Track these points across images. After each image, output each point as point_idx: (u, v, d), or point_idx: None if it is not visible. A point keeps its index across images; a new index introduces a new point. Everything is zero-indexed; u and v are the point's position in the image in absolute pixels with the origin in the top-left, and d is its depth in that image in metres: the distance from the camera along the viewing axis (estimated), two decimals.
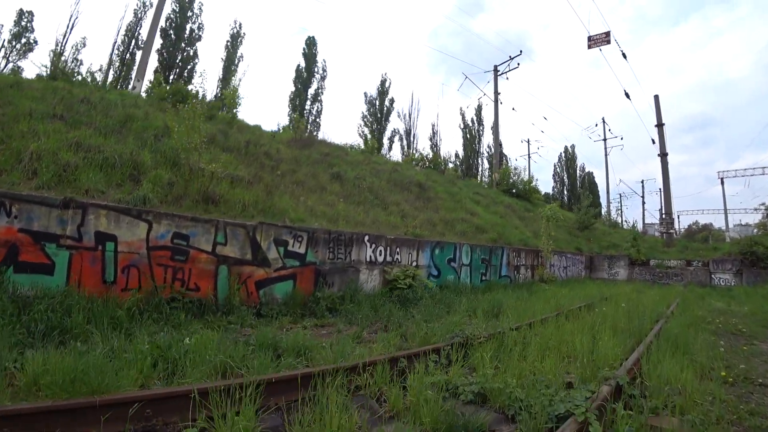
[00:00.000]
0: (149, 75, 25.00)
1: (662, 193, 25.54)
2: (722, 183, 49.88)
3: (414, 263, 12.11)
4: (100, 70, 32.88)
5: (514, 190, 28.67)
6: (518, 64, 31.93)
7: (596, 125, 48.60)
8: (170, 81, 34.42)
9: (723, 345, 7.25)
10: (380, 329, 7.70)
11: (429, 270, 12.56)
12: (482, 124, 58.85)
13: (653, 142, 26.44)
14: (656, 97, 26.86)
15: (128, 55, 35.05)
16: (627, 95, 25.00)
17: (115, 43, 34.72)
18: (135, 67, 32.55)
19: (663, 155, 25.64)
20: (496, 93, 32.47)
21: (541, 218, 18.45)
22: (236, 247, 8.71)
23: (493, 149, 57.52)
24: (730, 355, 6.63)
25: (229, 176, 11.23)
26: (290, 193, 12.48)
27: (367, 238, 11.00)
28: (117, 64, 35.44)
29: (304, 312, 8.88)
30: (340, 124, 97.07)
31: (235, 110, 18.74)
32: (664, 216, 25.08)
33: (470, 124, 58.22)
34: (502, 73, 32.79)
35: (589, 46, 22.99)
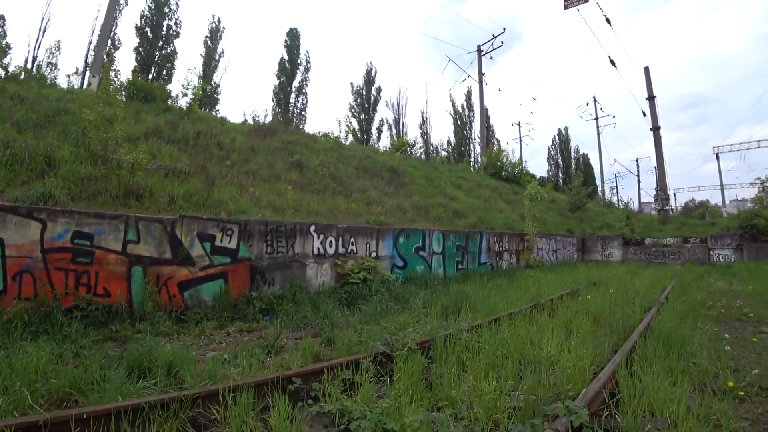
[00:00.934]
0: (128, 74, 23.44)
1: (656, 168, 23.99)
2: (717, 158, 48.21)
3: (373, 254, 10.66)
4: (76, 72, 31.33)
5: (503, 174, 27.11)
6: (502, 42, 30.23)
7: (587, 104, 46.86)
8: (149, 80, 33.07)
9: (727, 338, 5.80)
10: (311, 333, 6.27)
11: (392, 261, 11.11)
12: (472, 110, 57.17)
13: (644, 114, 24.81)
14: (646, 69, 25.19)
15: (105, 55, 33.27)
16: (612, 62, 23.27)
17: (90, 44, 32.91)
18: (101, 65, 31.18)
19: (655, 129, 24.03)
20: (480, 73, 30.78)
21: (523, 199, 16.93)
22: (152, 245, 7.28)
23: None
24: (739, 352, 5.18)
25: (163, 168, 9.85)
26: (237, 183, 11.06)
27: (313, 228, 9.53)
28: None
29: (235, 315, 7.48)
30: (329, 117, 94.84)
31: (193, 101, 17.17)
32: (658, 192, 23.53)
33: (461, 110, 56.68)
34: (486, 53, 31.07)
35: (566, 6, 21.24)
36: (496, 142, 60.15)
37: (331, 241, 9.86)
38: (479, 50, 31.30)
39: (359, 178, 15.25)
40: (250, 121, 20.42)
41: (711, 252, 18.50)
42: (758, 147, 45.93)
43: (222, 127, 15.41)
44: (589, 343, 4.75)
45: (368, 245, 10.68)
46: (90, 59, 32.66)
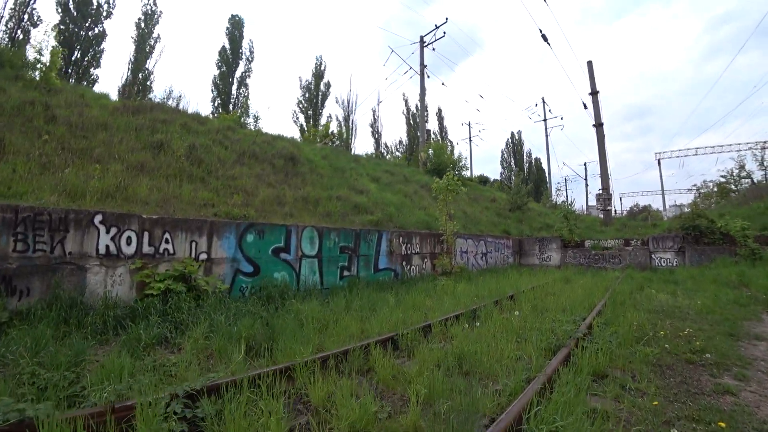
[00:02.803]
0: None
1: (599, 166, 21.93)
2: (659, 164, 48.10)
3: (203, 255, 7.30)
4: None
5: (447, 171, 24.24)
6: (444, 33, 27.60)
7: (536, 105, 45.42)
8: (72, 61, 28.34)
9: (675, 410, 2.82)
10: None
11: (235, 265, 7.76)
12: (426, 110, 54.98)
13: (585, 107, 22.74)
14: (590, 63, 23.17)
15: (19, 32, 27.98)
16: (544, 38, 20.85)
17: (1, 17, 27.54)
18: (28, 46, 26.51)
19: (598, 125, 21.99)
20: (422, 65, 28.01)
21: (434, 193, 13.92)
22: None
23: (434, 134, 53.69)
24: None
25: None
26: (45, 162, 7.49)
27: (99, 218, 6.08)
28: (6, 42, 28.25)
29: None
30: (279, 113, 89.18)
31: (48, 70, 13.07)
32: (600, 192, 21.42)
33: (415, 111, 54.32)
34: (428, 44, 28.36)
35: None
36: (449, 143, 58.16)
37: (129, 238, 6.43)
38: (421, 41, 28.58)
39: (239, 165, 11.79)
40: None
41: (653, 255, 16.26)
42: (696, 154, 46.06)
43: (82, 100, 11.69)
44: None
45: (194, 244, 7.30)
46: (2, 35, 27.42)
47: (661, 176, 47.61)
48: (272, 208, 10.18)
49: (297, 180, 12.47)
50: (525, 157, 68.87)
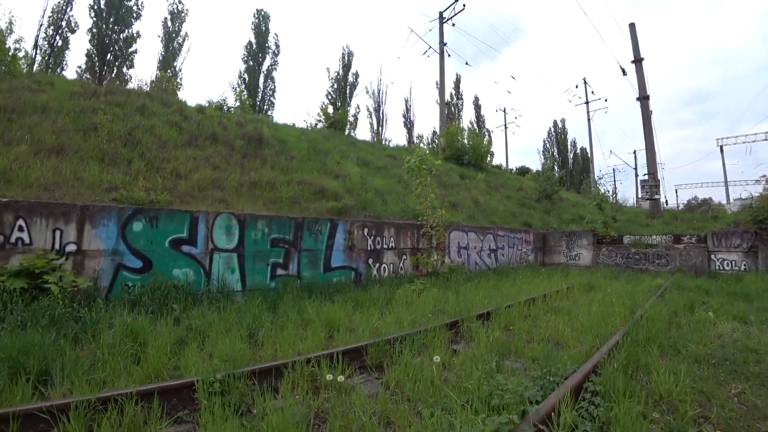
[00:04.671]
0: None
1: (645, 148, 17.82)
2: (722, 151, 40.96)
3: (71, 246, 5.38)
4: (26, 56, 26.71)
5: (465, 158, 21.16)
6: (464, 6, 24.21)
7: (576, 86, 40.32)
8: (105, 63, 28.51)
9: None
10: None
11: (117, 259, 5.74)
12: (461, 98, 51.37)
13: (623, 73, 18.55)
14: (632, 26, 18.88)
15: (58, 38, 28.43)
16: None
17: (42, 25, 28.04)
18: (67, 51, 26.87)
19: (643, 98, 17.84)
20: (442, 43, 24.85)
21: (406, 175, 10.97)
22: None
23: (473, 122, 49.70)
24: None
25: None
26: None
27: None
28: (45, 48, 28.79)
29: None
30: (306, 106, 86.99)
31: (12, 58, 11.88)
32: (647, 177, 17.28)
33: (449, 99, 50.83)
34: (447, 19, 25.11)
35: None
36: (486, 133, 54.19)
37: None
38: (441, 17, 25.37)
39: (189, 147, 9.82)
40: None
41: (712, 256, 12.40)
42: (765, 139, 38.64)
43: (41, 86, 10.40)
44: None
45: (59, 233, 5.38)
46: (42, 41, 27.81)
47: (724, 165, 40.50)
48: (202, 193, 8.05)
49: (255, 162, 10.28)
50: (569, 146, 62.81)
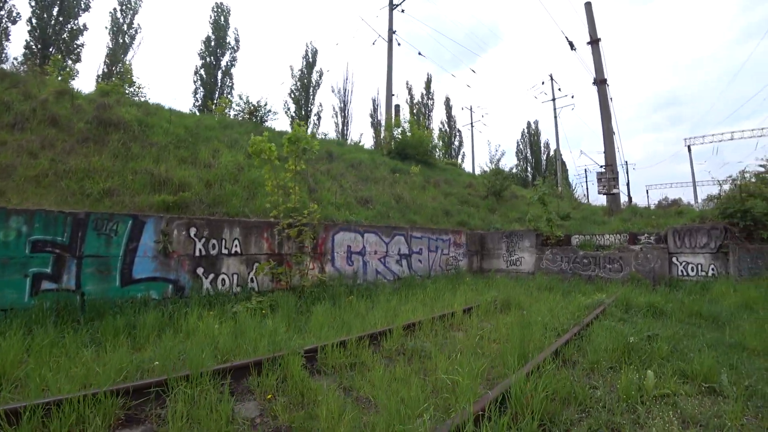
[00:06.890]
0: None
1: (602, 136, 15.49)
2: (689, 150, 39.45)
3: None
4: None
5: (413, 153, 18.53)
6: None
7: (542, 83, 38.33)
8: (47, 57, 25.28)
9: None
10: None
11: None
12: (432, 98, 49.30)
13: (571, 47, 16.20)
14: (588, 5, 16.68)
15: None
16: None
17: None
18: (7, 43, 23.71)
19: (600, 82, 15.59)
20: (391, 31, 22.41)
21: (256, 161, 7.97)
22: None
23: (446, 123, 47.58)
24: None
25: None
26: None
27: None
28: None
29: None
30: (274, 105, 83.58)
31: None
32: (603, 169, 14.88)
33: (420, 99, 48.70)
34: (396, 6, 22.71)
35: None
36: (457, 134, 52.24)
37: None
38: (391, 3, 22.97)
39: (3, 129, 6.99)
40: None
41: (674, 259, 9.99)
42: (732, 139, 37.22)
43: None
44: None
45: None
46: None
47: (692, 164, 38.92)
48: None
49: (90, 149, 7.49)
50: (542, 148, 61.12)
